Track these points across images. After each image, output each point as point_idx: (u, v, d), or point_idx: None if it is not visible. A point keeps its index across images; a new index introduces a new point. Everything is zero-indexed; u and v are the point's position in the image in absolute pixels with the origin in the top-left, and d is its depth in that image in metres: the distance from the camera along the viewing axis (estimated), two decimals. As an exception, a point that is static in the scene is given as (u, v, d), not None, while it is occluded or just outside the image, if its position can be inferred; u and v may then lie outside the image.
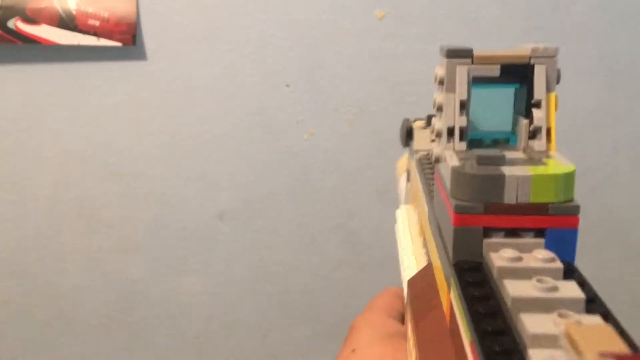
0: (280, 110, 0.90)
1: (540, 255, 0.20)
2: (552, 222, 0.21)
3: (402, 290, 0.37)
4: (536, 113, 0.25)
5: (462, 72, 0.24)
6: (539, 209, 0.21)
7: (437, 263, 0.25)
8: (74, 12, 0.85)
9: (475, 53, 0.25)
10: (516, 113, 0.26)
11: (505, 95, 0.26)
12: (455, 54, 0.24)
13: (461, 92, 0.24)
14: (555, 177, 0.21)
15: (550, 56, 0.25)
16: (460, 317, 0.20)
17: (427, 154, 0.32)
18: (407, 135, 0.37)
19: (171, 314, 0.94)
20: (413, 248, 0.33)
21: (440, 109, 0.25)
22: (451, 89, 0.24)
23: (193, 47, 0.89)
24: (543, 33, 0.90)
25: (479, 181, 0.21)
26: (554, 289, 0.19)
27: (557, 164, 0.22)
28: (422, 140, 0.33)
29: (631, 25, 0.91)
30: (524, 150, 0.25)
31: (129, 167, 0.91)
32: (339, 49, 0.89)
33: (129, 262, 0.93)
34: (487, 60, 0.25)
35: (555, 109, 0.25)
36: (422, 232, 0.31)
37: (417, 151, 0.34)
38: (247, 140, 0.91)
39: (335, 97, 0.90)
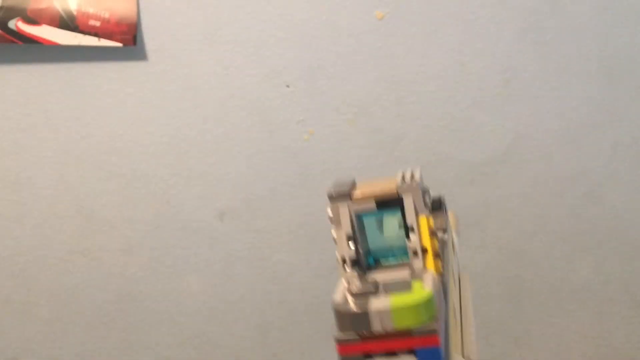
0: (280, 110, 0.90)
1: None
2: (418, 343, 0.25)
3: None
4: (411, 236, 0.28)
5: (344, 211, 0.28)
6: (404, 334, 0.25)
7: None
8: (75, 13, 0.85)
9: (354, 193, 0.29)
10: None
11: (394, 219, 0.30)
12: (337, 197, 0.29)
13: (346, 227, 0.28)
14: (412, 307, 0.24)
15: (414, 187, 0.28)
16: None
17: None
18: None
19: (171, 313, 0.94)
20: None
21: (335, 242, 0.29)
22: (339, 225, 0.28)
23: (193, 47, 0.89)
24: (543, 33, 0.90)
25: (350, 317, 0.25)
26: None
27: (418, 290, 0.26)
28: None
29: (631, 25, 0.91)
30: (410, 268, 0.29)
31: (129, 167, 0.91)
32: (339, 49, 0.89)
33: (129, 262, 0.93)
34: (363, 198, 0.29)
35: (430, 227, 0.28)
36: None
37: None
38: (247, 140, 0.91)
39: (335, 97, 0.90)
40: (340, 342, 0.25)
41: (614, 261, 0.95)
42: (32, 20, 0.84)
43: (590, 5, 0.90)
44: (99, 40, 0.85)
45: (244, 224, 0.93)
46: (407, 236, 0.29)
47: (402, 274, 0.28)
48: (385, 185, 0.29)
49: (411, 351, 0.25)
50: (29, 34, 0.85)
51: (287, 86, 0.90)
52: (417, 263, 0.28)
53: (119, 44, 0.86)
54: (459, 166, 0.92)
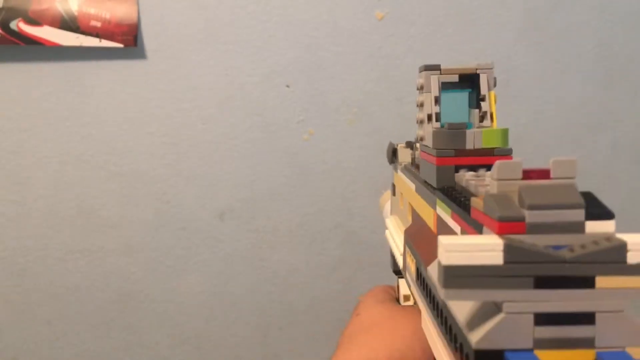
0: (280, 111, 0.91)
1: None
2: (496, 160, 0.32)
3: (392, 287, 0.49)
4: (483, 104, 0.37)
5: (434, 80, 0.37)
6: (489, 152, 0.33)
7: (423, 212, 0.37)
8: (76, 14, 0.85)
9: (442, 67, 0.37)
10: (470, 108, 0.38)
11: (463, 97, 0.38)
12: (429, 69, 0.37)
13: (435, 91, 0.37)
14: (497, 131, 0.33)
15: (488, 68, 0.37)
16: (444, 208, 0.31)
17: (409, 163, 0.47)
18: (393, 154, 0.51)
19: (171, 314, 0.95)
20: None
21: (421, 105, 0.37)
22: (428, 90, 0.37)
23: (193, 48, 0.89)
24: (543, 33, 0.90)
25: (451, 135, 0.33)
26: None
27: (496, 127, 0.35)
28: (405, 155, 0.47)
29: (630, 26, 0.91)
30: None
31: (129, 167, 0.91)
32: (339, 49, 0.90)
33: (129, 262, 0.93)
34: (449, 72, 0.37)
35: (495, 102, 0.37)
36: (407, 219, 0.43)
37: (401, 163, 0.48)
38: (247, 140, 0.91)
39: (335, 97, 0.91)
40: (439, 155, 0.33)
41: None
42: (33, 21, 0.84)
43: (590, 5, 0.90)
44: (100, 41, 0.85)
45: (244, 224, 0.93)
46: (477, 106, 0.37)
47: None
48: (465, 66, 0.38)
49: (490, 167, 0.31)
50: (31, 34, 0.85)
51: (287, 86, 0.90)
52: (487, 123, 0.36)
53: (120, 45, 0.86)
54: (458, 166, 0.92)
